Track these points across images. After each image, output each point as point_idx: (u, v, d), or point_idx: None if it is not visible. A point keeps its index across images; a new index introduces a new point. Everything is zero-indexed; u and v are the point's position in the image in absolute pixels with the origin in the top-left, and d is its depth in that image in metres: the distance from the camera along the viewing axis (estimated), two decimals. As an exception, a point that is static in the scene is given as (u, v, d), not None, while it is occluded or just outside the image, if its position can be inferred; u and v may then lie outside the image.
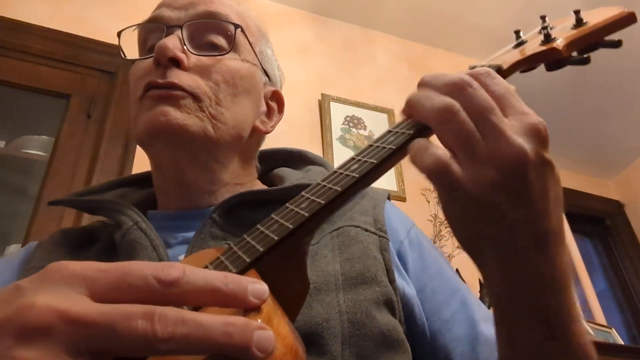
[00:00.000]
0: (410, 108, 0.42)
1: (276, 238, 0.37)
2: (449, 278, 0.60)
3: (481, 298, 1.87)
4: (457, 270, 1.89)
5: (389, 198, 0.67)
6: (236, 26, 0.63)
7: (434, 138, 0.41)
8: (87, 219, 1.61)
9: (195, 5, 0.63)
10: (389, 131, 0.43)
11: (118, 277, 0.27)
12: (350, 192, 0.39)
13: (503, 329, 0.42)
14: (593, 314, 2.26)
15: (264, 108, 0.69)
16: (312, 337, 0.46)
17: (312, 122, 2.24)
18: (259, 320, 0.28)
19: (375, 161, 0.40)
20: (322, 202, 0.38)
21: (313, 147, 2.15)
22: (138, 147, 1.81)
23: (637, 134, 3.03)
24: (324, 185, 0.40)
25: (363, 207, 0.62)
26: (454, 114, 0.38)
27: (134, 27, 0.66)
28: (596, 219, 3.11)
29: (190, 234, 0.58)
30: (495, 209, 0.37)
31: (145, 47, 0.65)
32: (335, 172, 0.41)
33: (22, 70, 1.85)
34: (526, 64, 0.49)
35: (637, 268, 2.95)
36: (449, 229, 2.08)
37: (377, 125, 2.32)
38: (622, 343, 2.19)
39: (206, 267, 0.37)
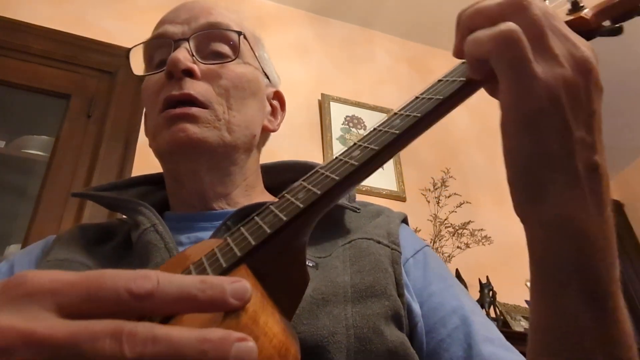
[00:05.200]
0: (472, 18, 0.39)
1: (269, 231, 0.35)
2: (451, 296, 0.58)
3: (481, 298, 1.87)
4: (457, 270, 1.89)
5: (406, 222, 0.67)
6: (239, 33, 0.67)
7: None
8: (86, 219, 1.62)
9: (197, 18, 0.66)
10: (395, 113, 0.40)
11: (88, 289, 0.26)
12: (349, 181, 0.37)
13: (541, 302, 0.39)
14: (593, 314, 2.27)
15: (268, 108, 0.73)
16: (318, 351, 0.46)
17: (312, 122, 2.24)
18: (243, 320, 0.27)
19: (376, 147, 0.37)
20: (319, 192, 0.36)
21: (313, 147, 2.15)
22: (138, 147, 1.82)
23: (637, 133, 3.03)
24: (322, 174, 0.38)
25: (377, 223, 0.62)
26: (526, 6, 0.37)
27: (141, 44, 0.69)
28: (596, 219, 3.10)
29: (204, 235, 0.59)
30: (562, 114, 0.36)
31: (152, 62, 0.68)
32: (336, 158, 0.39)
33: (22, 70, 1.85)
34: None
35: (637, 268, 2.95)
36: (449, 229, 2.08)
37: (377, 125, 2.32)
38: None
39: (201, 259, 0.36)
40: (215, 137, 0.61)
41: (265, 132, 0.72)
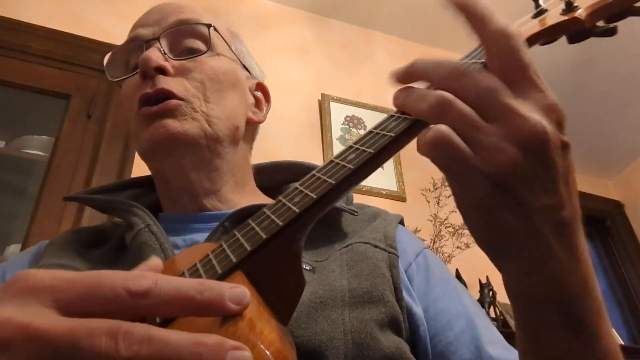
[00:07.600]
0: (405, 108, 0.40)
1: (264, 236, 0.35)
2: (456, 300, 0.58)
3: (481, 298, 1.88)
4: (457, 270, 1.89)
5: (402, 223, 0.67)
6: (208, 26, 0.67)
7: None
8: (87, 220, 1.61)
9: (167, 17, 0.67)
10: (391, 115, 0.40)
11: (86, 287, 0.27)
12: (345, 184, 0.36)
13: (525, 333, 0.40)
14: (593, 314, 2.27)
15: (251, 100, 0.73)
16: (315, 356, 0.46)
17: (312, 122, 2.24)
18: (240, 327, 0.27)
19: (372, 151, 0.37)
20: (315, 196, 0.35)
21: (313, 147, 2.15)
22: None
23: (637, 134, 3.03)
24: (318, 177, 0.37)
25: (374, 227, 0.62)
26: (449, 105, 0.36)
27: (114, 51, 0.70)
28: (596, 219, 3.11)
29: (199, 237, 0.59)
30: (513, 194, 0.35)
31: (129, 66, 0.69)
32: (332, 161, 0.38)
33: (22, 70, 1.84)
34: (546, 36, 0.45)
35: (637, 268, 2.95)
36: (449, 229, 2.08)
37: (377, 125, 2.32)
38: (622, 343, 2.19)
39: (195, 265, 0.36)
40: (196, 128, 0.61)
41: (252, 125, 0.72)
